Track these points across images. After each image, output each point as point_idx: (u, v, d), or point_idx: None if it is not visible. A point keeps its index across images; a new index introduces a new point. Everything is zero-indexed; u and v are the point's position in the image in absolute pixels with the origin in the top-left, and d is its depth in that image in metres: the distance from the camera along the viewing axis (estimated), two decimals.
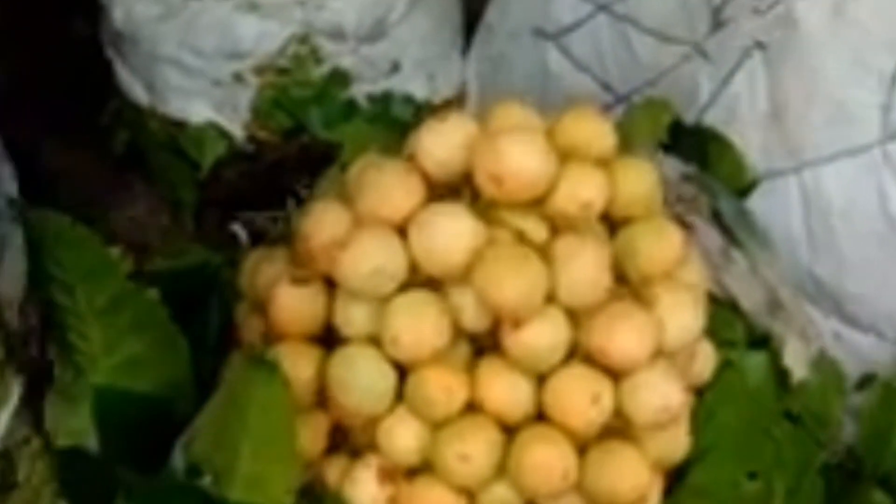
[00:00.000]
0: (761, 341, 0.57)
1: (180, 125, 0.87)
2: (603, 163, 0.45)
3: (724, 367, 0.52)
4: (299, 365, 0.45)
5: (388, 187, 0.44)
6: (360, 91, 0.85)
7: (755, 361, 0.55)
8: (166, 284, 0.56)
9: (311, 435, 0.46)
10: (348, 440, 0.47)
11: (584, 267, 0.42)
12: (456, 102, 0.89)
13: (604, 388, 0.43)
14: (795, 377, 0.56)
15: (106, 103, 0.90)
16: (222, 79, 0.83)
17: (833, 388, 0.60)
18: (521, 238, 0.43)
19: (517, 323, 0.42)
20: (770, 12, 0.62)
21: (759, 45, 0.64)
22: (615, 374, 0.44)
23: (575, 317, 0.44)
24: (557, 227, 0.45)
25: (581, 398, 0.42)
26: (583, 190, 0.43)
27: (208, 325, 0.57)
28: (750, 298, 0.59)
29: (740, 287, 0.59)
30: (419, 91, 0.87)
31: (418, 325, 0.42)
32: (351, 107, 0.86)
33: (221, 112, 0.86)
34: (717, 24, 0.77)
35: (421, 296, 0.44)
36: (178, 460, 0.45)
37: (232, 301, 0.55)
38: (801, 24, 0.61)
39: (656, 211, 0.47)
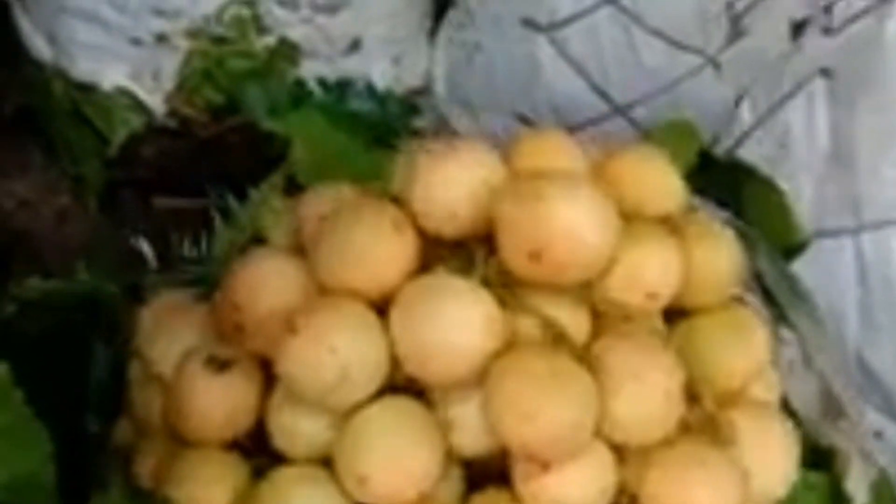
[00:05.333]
0: (818, 459, 0.45)
1: (87, 90, 0.72)
2: (672, 228, 0.32)
3: None
4: (210, 489, 0.31)
5: (366, 241, 0.30)
6: (310, 70, 0.71)
7: (814, 485, 0.43)
8: (35, 319, 0.41)
9: None
10: None
11: (650, 393, 0.28)
12: (421, 94, 0.76)
13: None
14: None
15: None
16: (143, 38, 0.68)
17: None
18: (558, 337, 0.30)
19: (546, 465, 0.29)
20: (844, 31, 0.50)
21: (825, 73, 0.52)
22: None
23: (622, 452, 0.31)
24: (601, 320, 0.31)
25: None
26: (650, 272, 0.30)
27: (91, 383, 0.43)
28: (803, 397, 0.47)
29: (792, 382, 0.47)
30: (380, 77, 0.73)
31: (398, 459, 0.28)
32: (298, 89, 0.72)
33: (139, 79, 0.71)
34: (736, 33, 0.66)
35: (402, 408, 0.29)
36: None
37: (130, 346, 0.41)
38: (888, 47, 0.49)
39: (730, 298, 0.34)
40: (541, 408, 0.27)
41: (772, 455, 0.31)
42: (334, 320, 0.29)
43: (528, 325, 0.30)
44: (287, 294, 0.30)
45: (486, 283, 0.30)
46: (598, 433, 0.29)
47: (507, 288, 0.30)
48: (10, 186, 0.77)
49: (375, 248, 0.29)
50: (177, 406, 0.32)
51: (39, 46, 0.74)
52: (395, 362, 0.30)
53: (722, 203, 0.51)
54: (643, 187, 0.32)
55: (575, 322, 0.30)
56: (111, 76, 0.72)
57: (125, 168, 0.74)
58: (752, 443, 0.31)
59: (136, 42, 0.70)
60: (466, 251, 0.31)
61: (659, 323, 0.32)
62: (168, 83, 0.72)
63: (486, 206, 0.30)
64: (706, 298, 0.33)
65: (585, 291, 0.30)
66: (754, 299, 0.45)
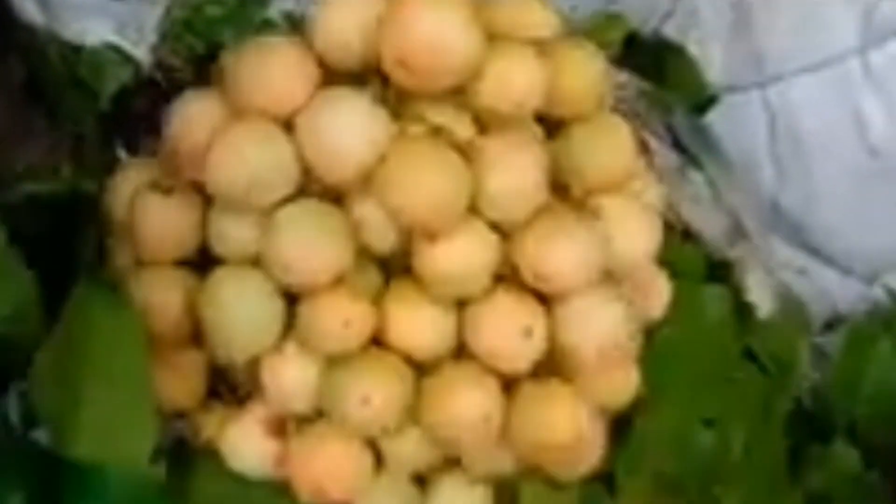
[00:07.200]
0: (721, 273, 0.51)
1: (78, 50, 0.77)
2: (541, 49, 0.37)
3: (680, 301, 0.45)
4: (164, 292, 0.37)
5: (272, 70, 0.35)
6: (280, 9, 0.76)
7: (714, 295, 0.48)
8: (27, 215, 0.47)
9: (183, 379, 0.37)
10: (229, 386, 0.39)
11: (516, 171, 0.34)
12: None
13: (537, 318, 0.35)
14: (759, 313, 0.49)
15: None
16: None
17: (798, 328, 0.53)
18: (438, 134, 0.35)
19: (431, 236, 0.35)
20: None
21: None
22: (551, 302, 0.36)
23: (503, 233, 0.36)
24: (485, 126, 0.37)
25: (510, 330, 0.35)
26: (516, 79, 0.35)
27: (80, 264, 0.49)
28: (710, 226, 0.52)
29: (699, 213, 0.52)
30: None
31: (313, 244, 0.34)
32: (266, 27, 0.78)
33: (124, 33, 0.77)
34: None
35: (315, 207, 0.35)
36: (12, 407, 0.36)
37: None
38: None
39: (603, 109, 0.39)
40: (421, 180, 0.33)
41: (632, 226, 0.37)
42: (243, 133, 0.35)
43: (414, 130, 0.35)
44: (210, 124, 0.36)
45: (382, 99, 0.36)
46: (476, 210, 0.35)
47: (396, 102, 0.36)
48: (17, 158, 0.83)
49: (277, 73, 0.35)
50: (134, 231, 0.38)
51: (31, 12, 0.79)
52: (307, 171, 0.36)
53: (647, 75, 0.57)
54: (516, 17, 0.38)
55: (459, 127, 0.36)
56: (98, 33, 0.78)
57: (118, 123, 0.79)
58: (615, 218, 0.36)
59: None
60: (363, 79, 0.37)
61: (536, 130, 0.38)
62: (151, 35, 0.78)
63: (377, 41, 0.36)
64: (578, 109, 0.38)
65: (463, 101, 0.36)
66: (656, 142, 0.51)
